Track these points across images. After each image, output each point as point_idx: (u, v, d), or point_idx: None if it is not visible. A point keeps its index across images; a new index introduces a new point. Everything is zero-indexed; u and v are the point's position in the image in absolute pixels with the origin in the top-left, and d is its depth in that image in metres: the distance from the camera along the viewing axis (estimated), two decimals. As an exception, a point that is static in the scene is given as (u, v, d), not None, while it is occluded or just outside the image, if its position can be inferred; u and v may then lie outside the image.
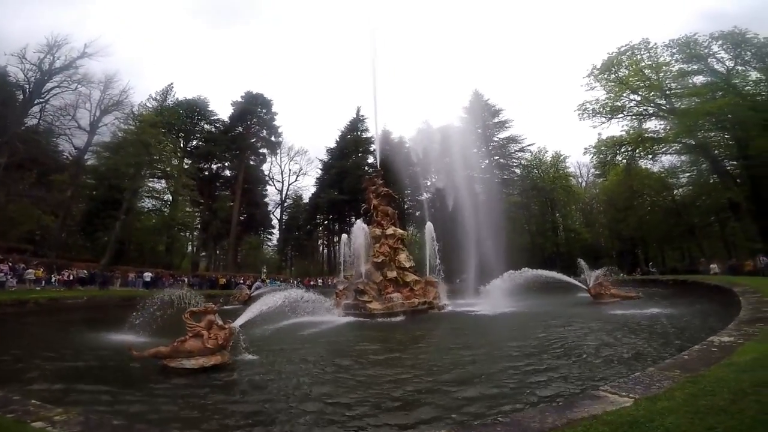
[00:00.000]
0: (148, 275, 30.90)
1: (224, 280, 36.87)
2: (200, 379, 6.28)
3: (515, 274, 17.46)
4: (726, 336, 5.69)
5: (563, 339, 8.82)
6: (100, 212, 40.32)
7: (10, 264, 22.89)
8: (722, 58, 33.67)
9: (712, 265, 30.12)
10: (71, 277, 25.11)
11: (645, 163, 43.10)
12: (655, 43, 36.54)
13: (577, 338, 8.86)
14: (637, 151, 39.75)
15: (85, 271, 27.72)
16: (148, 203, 48.70)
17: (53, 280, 24.17)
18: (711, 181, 37.53)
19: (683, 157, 39.52)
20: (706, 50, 33.77)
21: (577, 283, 18.57)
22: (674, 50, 35.33)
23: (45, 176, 39.24)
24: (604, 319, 11.58)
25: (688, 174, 40.33)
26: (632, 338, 8.57)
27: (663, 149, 38.44)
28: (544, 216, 54.59)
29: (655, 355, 6.66)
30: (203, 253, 59.86)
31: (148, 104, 50.49)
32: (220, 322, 7.43)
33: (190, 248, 59.21)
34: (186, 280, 34.06)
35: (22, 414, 3.34)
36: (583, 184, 61.81)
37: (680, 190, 42.69)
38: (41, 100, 38.23)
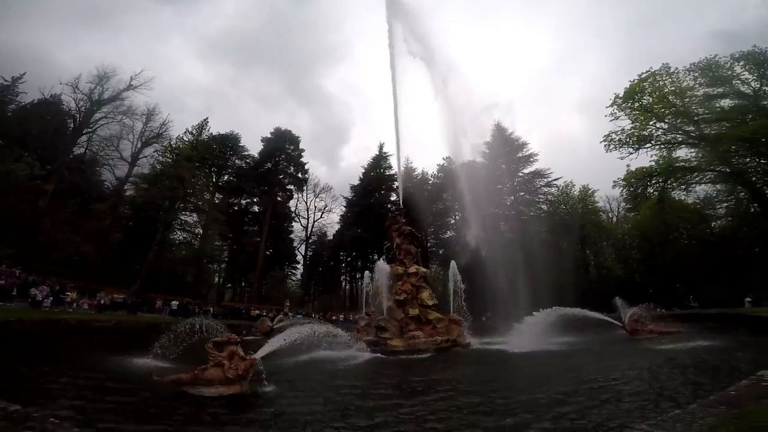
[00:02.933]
0: (174, 303, 31.49)
1: (257, 311, 36.52)
2: (218, 407, 6.25)
3: (544, 313, 16.73)
4: (777, 371, 5.23)
5: (598, 375, 8.33)
6: (134, 242, 41.99)
7: (48, 285, 23.84)
8: (747, 79, 32.31)
9: (747, 299, 29.29)
10: (102, 302, 25.90)
11: (678, 195, 40.63)
12: (677, 68, 35.01)
13: (613, 375, 8.32)
14: (669, 181, 37.36)
15: (122, 297, 28.71)
16: (179, 235, 50.33)
17: (83, 303, 24.95)
18: (752, 210, 35.53)
19: (719, 186, 37.56)
20: (729, 72, 32.53)
21: (610, 320, 17.68)
22: (696, 74, 33.96)
23: (87, 205, 41.45)
24: (643, 355, 10.89)
25: (725, 204, 38.43)
26: (673, 374, 8.07)
27: (696, 179, 36.20)
28: (574, 252, 52.71)
29: (698, 391, 6.20)
30: (229, 285, 60.99)
31: (185, 138, 52.51)
32: (242, 353, 7.57)
33: (216, 279, 60.34)
34: (211, 309, 34.50)
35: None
36: (614, 219, 59.70)
37: (719, 221, 40.51)
38: (89, 129, 40.52)
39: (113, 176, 45.04)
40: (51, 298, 22.12)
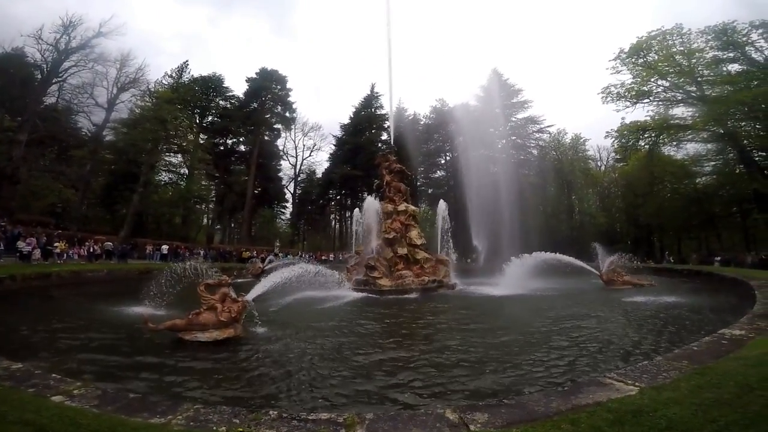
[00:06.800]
0: (165, 248, 31.73)
1: (249, 253, 36.76)
2: (214, 351, 6.44)
3: (529, 257, 17.27)
4: (737, 329, 5.62)
5: (572, 324, 8.83)
6: (118, 185, 41.71)
7: (35, 237, 23.45)
8: (761, 47, 32.63)
9: (716, 258, 31.78)
10: (92, 250, 25.83)
11: (668, 150, 42.62)
12: (689, 29, 35.48)
13: (586, 324, 8.83)
14: (662, 137, 39.42)
15: (111, 244, 28.51)
16: (165, 177, 50.25)
17: (73, 254, 24.84)
18: (737, 171, 36.90)
19: (709, 146, 38.94)
20: (744, 38, 32.64)
21: (589, 268, 18.32)
22: (709, 37, 34.16)
23: (65, 152, 40.88)
24: (615, 306, 11.48)
25: (713, 162, 39.64)
26: (642, 326, 8.48)
27: (689, 136, 38.17)
28: (560, 198, 53.71)
29: (664, 345, 6.57)
30: (218, 226, 61.26)
31: (164, 81, 51.12)
32: (234, 295, 7.55)
33: (205, 221, 60.36)
34: (201, 253, 34.75)
35: (42, 388, 3.45)
36: (602, 167, 60.25)
37: (704, 178, 41.77)
38: (59, 79, 38.72)
39: (90, 123, 43.51)
40: (39, 251, 21.85)
